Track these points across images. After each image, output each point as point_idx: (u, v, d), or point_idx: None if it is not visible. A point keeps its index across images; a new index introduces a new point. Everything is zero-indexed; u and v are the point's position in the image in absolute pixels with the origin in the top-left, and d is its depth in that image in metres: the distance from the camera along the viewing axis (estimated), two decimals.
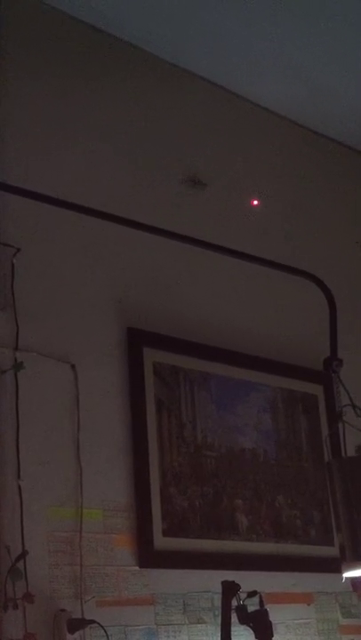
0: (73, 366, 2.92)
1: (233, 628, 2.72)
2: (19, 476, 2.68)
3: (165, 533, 2.96)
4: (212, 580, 2.87)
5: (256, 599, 2.77)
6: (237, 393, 3.41)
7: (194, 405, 3.25)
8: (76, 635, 2.60)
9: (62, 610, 2.63)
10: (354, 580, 3.31)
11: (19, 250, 2.89)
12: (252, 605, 2.77)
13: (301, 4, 3.39)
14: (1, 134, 3.03)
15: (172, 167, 3.56)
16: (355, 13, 3.46)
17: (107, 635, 2.64)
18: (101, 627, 2.63)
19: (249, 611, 2.73)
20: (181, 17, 3.43)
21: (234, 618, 2.73)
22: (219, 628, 2.74)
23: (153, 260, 3.29)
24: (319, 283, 2.92)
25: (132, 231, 2.64)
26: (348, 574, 2.60)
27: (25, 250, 2.91)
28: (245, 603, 2.74)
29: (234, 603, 2.73)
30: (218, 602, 2.80)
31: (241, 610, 2.71)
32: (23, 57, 3.19)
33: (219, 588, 2.78)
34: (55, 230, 3.01)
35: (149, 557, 2.89)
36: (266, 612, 2.75)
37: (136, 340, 3.13)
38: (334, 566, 2.65)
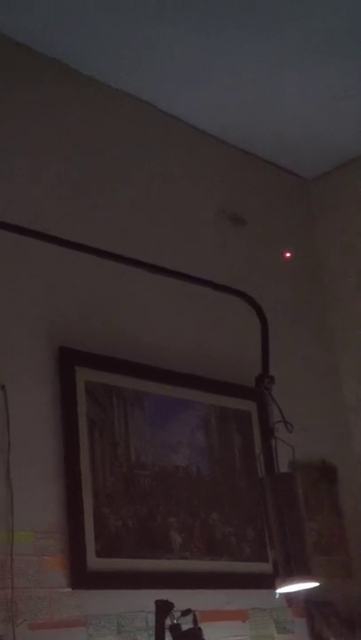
0: (2, 387, 2.88)
1: None
2: None
3: (99, 554, 2.94)
4: (147, 599, 2.86)
5: (190, 617, 2.77)
6: (171, 411, 3.41)
7: (127, 424, 3.24)
8: None
9: None
10: (289, 596, 3.32)
11: None
12: (187, 624, 2.76)
13: (233, 21, 3.41)
14: None
15: (106, 183, 3.56)
16: (286, 34, 3.51)
17: None
18: None
19: (183, 629, 2.72)
20: (105, 32, 3.43)
21: (168, 637, 2.72)
22: None
23: (85, 278, 3.27)
24: (251, 301, 2.95)
25: (63, 249, 2.64)
26: (281, 590, 2.62)
27: None
28: (179, 621, 2.73)
29: (168, 622, 2.71)
30: (152, 621, 2.78)
31: (175, 629, 2.70)
32: None
33: (153, 608, 2.77)
34: None
35: (82, 578, 2.86)
36: (200, 631, 2.75)
37: (68, 360, 3.11)
38: (269, 582, 2.67)
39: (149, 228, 3.65)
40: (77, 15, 3.31)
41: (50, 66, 3.50)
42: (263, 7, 3.35)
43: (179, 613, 2.74)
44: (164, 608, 2.70)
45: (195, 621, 2.77)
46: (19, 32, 3.36)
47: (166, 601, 2.72)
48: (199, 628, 2.76)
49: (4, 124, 3.27)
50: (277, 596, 2.69)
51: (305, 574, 2.55)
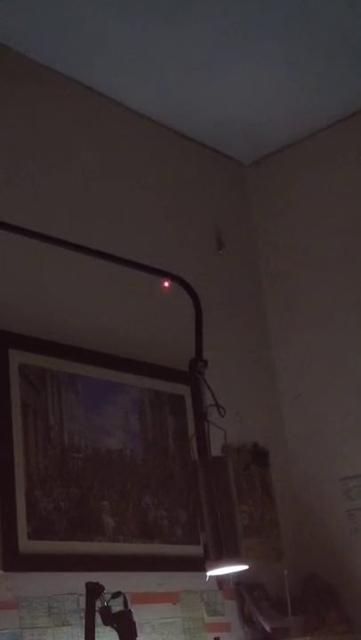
0: None
1: (97, 630, 2.72)
2: None
3: (30, 536, 2.93)
4: (78, 582, 2.86)
5: (121, 600, 2.78)
6: (105, 394, 3.41)
7: (61, 407, 3.23)
8: None
9: None
10: (219, 578, 3.36)
11: None
12: (118, 606, 2.78)
13: (171, 3, 3.41)
14: None
15: (44, 165, 3.54)
16: (222, 17, 3.51)
17: None
18: None
19: (113, 612, 2.73)
20: (43, 12, 3.41)
21: (98, 619, 2.73)
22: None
23: (19, 260, 3.25)
24: (185, 285, 2.97)
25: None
26: (211, 573, 2.65)
27: None
28: (110, 604, 2.74)
29: (98, 604, 2.73)
30: (84, 604, 2.78)
31: (105, 611, 2.71)
32: None
33: (84, 590, 2.77)
34: None
35: (14, 561, 2.86)
36: (130, 613, 2.76)
37: (2, 342, 3.09)
38: (200, 565, 2.70)
39: (86, 212, 3.63)
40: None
41: None
42: None
43: (109, 596, 2.75)
44: (94, 590, 2.71)
45: (125, 604, 2.78)
46: None
47: (97, 583, 2.73)
48: (129, 610, 2.77)
49: None
50: (208, 579, 2.71)
51: (235, 557, 2.59)
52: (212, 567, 2.61)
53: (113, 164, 3.86)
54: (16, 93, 3.53)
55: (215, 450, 2.79)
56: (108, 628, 2.75)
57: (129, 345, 3.54)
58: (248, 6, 3.47)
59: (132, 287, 3.58)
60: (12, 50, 3.54)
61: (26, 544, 2.91)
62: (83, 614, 2.81)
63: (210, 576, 2.70)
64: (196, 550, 3.33)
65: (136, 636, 2.74)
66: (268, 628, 3.29)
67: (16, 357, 3.12)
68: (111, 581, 2.82)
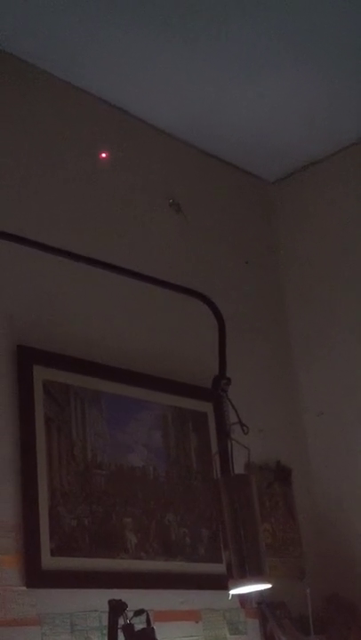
0: None
1: None
2: None
3: (53, 553, 2.94)
4: (101, 599, 2.86)
5: (143, 617, 2.77)
6: (128, 411, 3.41)
7: (84, 423, 3.24)
8: None
9: None
10: (242, 597, 3.34)
11: None
12: (140, 624, 2.77)
13: (194, 23, 3.43)
14: None
15: (65, 181, 3.56)
16: (246, 36, 3.53)
17: None
18: None
19: (136, 629, 2.73)
20: (68, 32, 3.43)
21: (121, 637, 2.72)
22: None
23: (44, 276, 3.27)
24: (209, 302, 2.96)
25: (24, 247, 2.63)
26: (234, 591, 2.63)
27: None
28: (133, 621, 2.73)
29: (121, 621, 2.72)
30: (106, 621, 2.78)
31: (128, 629, 2.71)
32: None
33: (107, 607, 2.77)
34: None
35: (37, 577, 2.86)
36: (152, 631, 2.76)
37: (26, 358, 3.11)
38: (222, 583, 2.68)
39: (110, 228, 3.65)
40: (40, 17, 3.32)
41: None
42: (225, 6, 3.37)
43: (132, 613, 2.75)
44: (117, 608, 2.71)
45: (148, 621, 2.78)
46: None
47: (119, 600, 2.73)
48: (152, 628, 2.77)
49: None
50: (230, 597, 2.69)
51: (258, 575, 2.57)
52: (236, 586, 2.59)
53: (138, 182, 3.88)
54: (40, 111, 3.56)
55: (238, 468, 2.78)
56: None
57: (152, 362, 3.54)
58: (271, 25, 3.47)
59: (155, 304, 3.59)
60: (38, 69, 3.57)
61: (49, 560, 2.91)
62: (105, 631, 2.80)
63: (232, 594, 2.68)
64: (218, 568, 3.32)
65: None
66: None
67: (40, 374, 3.13)
68: (133, 599, 2.81)
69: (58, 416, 3.15)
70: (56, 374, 3.19)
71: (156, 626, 2.81)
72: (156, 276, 2.99)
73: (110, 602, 2.74)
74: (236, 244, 4.27)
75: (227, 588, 2.63)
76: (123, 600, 2.73)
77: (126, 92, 3.80)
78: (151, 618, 2.81)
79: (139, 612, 2.76)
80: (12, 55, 3.48)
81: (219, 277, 4.01)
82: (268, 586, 2.63)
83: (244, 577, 2.55)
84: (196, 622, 3.31)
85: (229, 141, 4.21)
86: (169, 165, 4.07)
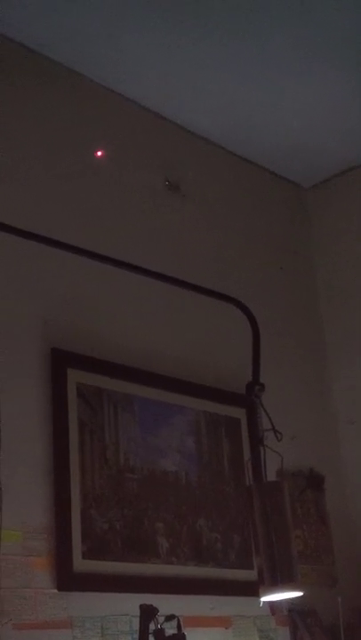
0: None
1: None
2: None
3: (85, 556, 2.94)
4: (132, 603, 2.86)
5: (174, 623, 2.77)
6: (161, 415, 3.42)
7: (117, 427, 3.24)
8: None
9: None
10: (272, 604, 3.33)
11: None
12: (171, 629, 2.77)
13: (231, 31, 3.43)
14: None
15: (99, 187, 3.57)
16: (282, 44, 3.52)
17: None
18: None
19: (167, 634, 2.72)
20: (113, 40, 3.44)
21: None
22: None
23: (79, 280, 3.28)
24: (243, 308, 2.95)
25: (58, 251, 2.64)
26: (265, 598, 2.62)
27: None
28: (164, 626, 2.73)
29: (152, 626, 2.72)
30: (136, 625, 2.78)
31: (159, 634, 2.70)
32: None
33: (137, 612, 2.77)
34: None
35: (68, 580, 2.87)
36: (183, 636, 2.75)
37: (60, 361, 3.12)
38: (253, 590, 2.67)
39: (146, 233, 3.66)
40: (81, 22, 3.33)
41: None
42: (264, 12, 3.37)
43: (163, 618, 2.75)
44: (148, 612, 2.71)
45: (179, 627, 2.78)
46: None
47: (151, 605, 2.72)
48: (183, 634, 2.76)
49: (19, 136, 3.31)
50: (261, 605, 2.68)
51: (290, 583, 2.55)
52: (267, 593, 2.57)
53: (175, 187, 3.88)
54: (77, 112, 3.58)
55: (270, 474, 2.76)
56: None
57: (186, 366, 3.55)
58: (308, 30, 3.47)
59: (190, 309, 3.59)
60: (75, 72, 3.59)
61: (80, 563, 2.92)
62: (135, 636, 2.81)
63: (263, 602, 2.67)
64: (249, 575, 3.31)
65: None
66: None
67: (74, 377, 3.14)
68: (163, 603, 2.81)
69: (91, 419, 3.15)
70: (90, 377, 3.20)
71: (186, 631, 2.81)
72: (191, 281, 2.99)
73: (142, 606, 2.73)
74: (271, 250, 4.26)
75: (257, 595, 2.62)
76: (154, 605, 2.73)
77: (164, 96, 3.80)
78: (182, 623, 2.81)
79: (170, 618, 2.76)
80: (41, 55, 3.50)
81: (253, 283, 4.00)
82: (300, 594, 2.62)
83: (276, 584, 2.53)
84: (227, 628, 3.30)
85: (266, 147, 4.20)
86: (205, 170, 4.07)
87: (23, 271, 3.13)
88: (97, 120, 3.66)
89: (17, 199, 3.20)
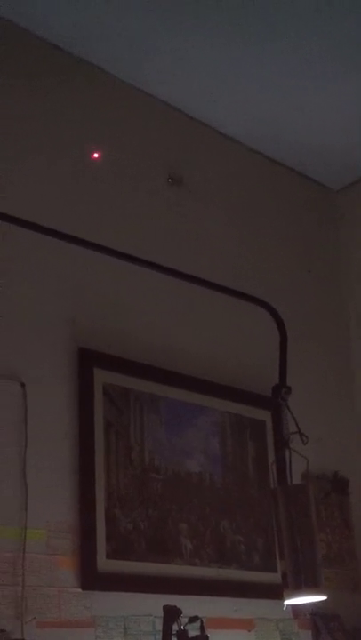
0: (23, 384, 2.90)
1: None
2: None
3: (109, 555, 2.95)
4: (155, 603, 2.86)
5: (197, 624, 2.77)
6: (186, 416, 3.42)
7: (143, 428, 3.25)
8: None
9: (2, 630, 2.60)
10: (295, 607, 3.32)
11: None
12: (194, 630, 2.77)
13: (260, 31, 3.43)
14: None
15: (131, 186, 3.58)
16: (311, 44, 3.51)
17: None
18: None
19: (190, 636, 2.72)
20: (142, 40, 3.45)
21: None
22: None
23: (107, 280, 3.29)
24: (271, 310, 2.95)
25: (87, 251, 2.65)
26: (289, 601, 2.61)
27: None
28: (187, 628, 2.73)
29: (175, 627, 2.72)
30: (159, 626, 2.79)
31: (182, 635, 2.70)
32: None
33: (160, 612, 2.77)
34: (9, 248, 3.00)
35: (92, 579, 2.88)
36: (206, 638, 2.75)
37: (87, 361, 3.13)
38: (276, 593, 2.67)
39: (174, 233, 3.66)
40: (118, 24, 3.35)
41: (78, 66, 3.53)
42: (297, 13, 3.36)
43: (186, 619, 2.75)
44: (172, 613, 2.70)
45: (202, 628, 2.77)
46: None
47: (174, 606, 2.72)
48: (206, 636, 2.76)
49: (58, 136, 3.32)
50: (285, 608, 2.68)
51: (314, 587, 2.54)
52: (291, 596, 2.57)
53: (202, 187, 3.88)
54: (112, 117, 3.59)
55: (295, 477, 2.76)
56: None
57: (212, 368, 3.55)
58: (338, 32, 3.46)
59: (217, 311, 3.59)
60: (108, 74, 3.60)
61: (105, 563, 2.93)
62: (158, 636, 2.81)
63: (287, 605, 2.66)
64: (272, 578, 3.31)
65: None
66: None
67: (101, 376, 3.15)
68: (186, 604, 2.81)
69: (117, 419, 3.16)
70: (116, 378, 3.20)
71: (209, 633, 2.80)
72: (218, 283, 2.99)
73: (165, 607, 2.73)
74: (299, 252, 4.25)
75: (281, 598, 2.61)
76: (177, 606, 2.73)
77: (194, 98, 3.81)
78: (205, 625, 2.81)
79: (193, 619, 2.76)
80: (86, 61, 3.52)
81: (281, 285, 4.00)
82: (324, 597, 2.61)
83: (300, 588, 2.53)
84: (249, 631, 3.30)
85: (295, 149, 4.20)
86: (234, 171, 4.07)
87: (52, 271, 3.14)
88: (122, 122, 3.67)
89: (46, 198, 3.21)
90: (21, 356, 2.95)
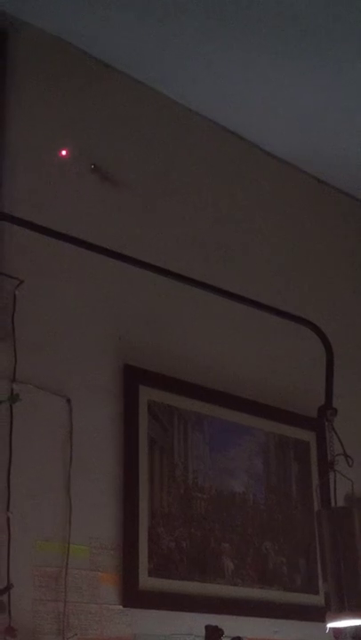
0: (68, 400, 2.92)
1: None
2: (8, 508, 2.67)
3: (151, 573, 2.95)
4: (195, 622, 2.86)
5: None
6: (230, 436, 3.41)
7: (187, 446, 3.25)
8: None
9: None
10: (336, 630, 3.29)
11: (22, 282, 2.90)
12: None
13: (306, 48, 3.43)
14: (11, 166, 3.06)
15: (178, 204, 3.60)
16: (355, 65, 3.51)
17: None
18: None
19: None
20: (186, 56, 3.47)
21: None
22: None
23: (154, 298, 3.30)
24: (317, 330, 2.94)
25: (134, 268, 2.67)
26: (332, 624, 2.60)
27: (28, 282, 2.92)
28: None
29: None
30: None
31: None
32: (34, 89, 3.21)
33: (201, 631, 2.77)
34: (59, 264, 3.03)
35: (134, 597, 2.88)
36: None
37: (132, 378, 3.14)
38: (317, 615, 2.65)
39: (222, 253, 3.67)
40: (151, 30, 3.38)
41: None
42: (342, 32, 3.36)
43: None
44: (214, 633, 2.70)
45: None
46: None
47: (216, 626, 2.72)
48: None
49: (107, 152, 3.34)
50: (328, 631, 2.66)
51: (357, 610, 2.53)
52: (333, 619, 2.55)
53: (250, 208, 3.89)
54: (165, 138, 3.61)
55: (339, 499, 2.75)
56: None
57: (257, 387, 3.54)
58: None
59: (263, 330, 3.59)
60: (170, 100, 3.63)
61: (146, 581, 2.92)
62: None
63: (329, 627, 2.65)
64: (314, 600, 3.29)
65: None
66: None
67: (146, 394, 3.16)
68: (227, 624, 2.81)
69: (161, 437, 3.17)
70: (161, 395, 3.21)
71: None
72: (265, 302, 2.99)
73: (208, 627, 2.73)
74: (345, 273, 4.23)
75: (322, 621, 2.60)
76: (218, 626, 2.72)
77: (238, 116, 3.81)
78: None
79: None
80: (120, 72, 3.54)
81: (328, 306, 3.98)
82: None
83: (343, 611, 2.51)
84: None
85: (341, 168, 4.18)
86: (281, 191, 4.07)
87: (99, 287, 3.16)
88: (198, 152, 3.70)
89: (100, 218, 3.23)
90: (67, 372, 2.97)
